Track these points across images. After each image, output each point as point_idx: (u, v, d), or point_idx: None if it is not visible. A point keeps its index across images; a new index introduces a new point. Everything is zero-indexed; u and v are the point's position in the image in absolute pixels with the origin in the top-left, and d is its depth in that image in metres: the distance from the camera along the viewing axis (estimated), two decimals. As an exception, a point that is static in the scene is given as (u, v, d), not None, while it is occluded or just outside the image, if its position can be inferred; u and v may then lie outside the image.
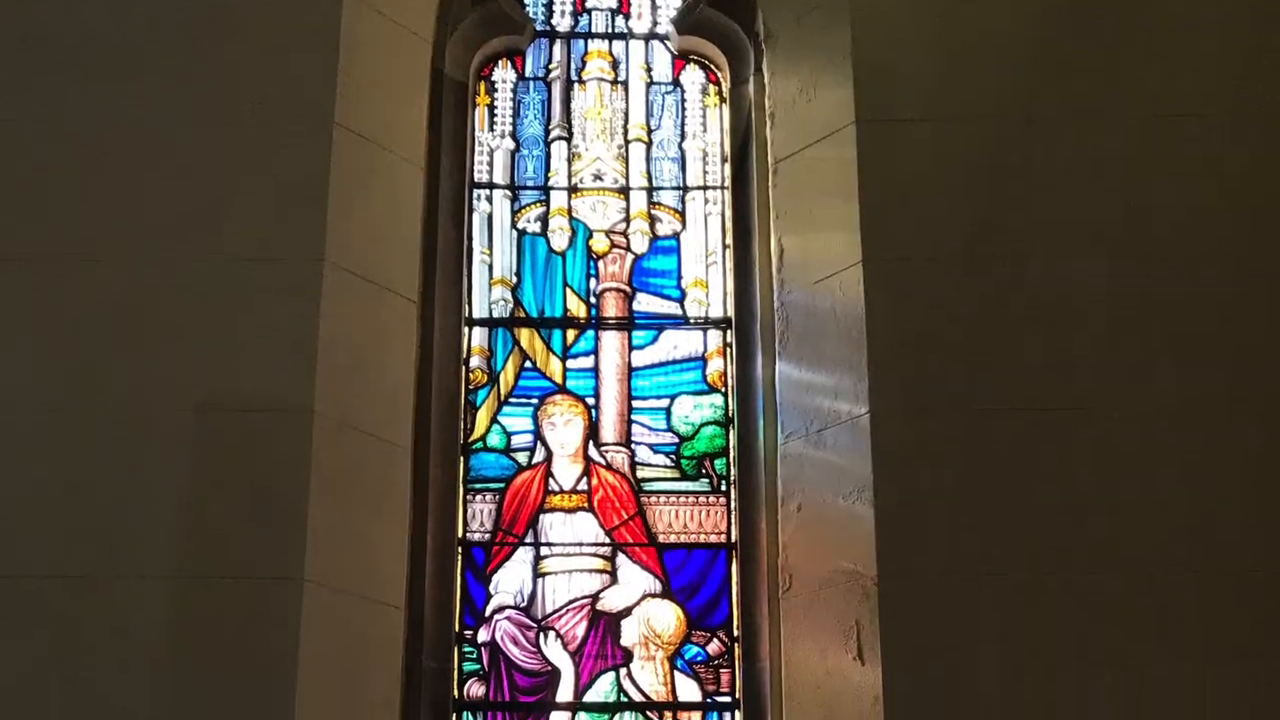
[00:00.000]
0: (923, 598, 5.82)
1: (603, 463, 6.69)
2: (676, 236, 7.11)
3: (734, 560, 6.51)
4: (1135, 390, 6.09)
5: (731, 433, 6.72)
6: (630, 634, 6.41)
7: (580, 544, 6.57)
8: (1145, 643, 5.77)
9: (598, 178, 7.16)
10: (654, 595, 6.47)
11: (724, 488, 6.66)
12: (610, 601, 6.47)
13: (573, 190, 7.14)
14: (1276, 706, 5.71)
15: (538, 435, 6.75)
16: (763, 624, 6.28)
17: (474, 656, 6.36)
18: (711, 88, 7.26)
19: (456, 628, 6.36)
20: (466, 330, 6.85)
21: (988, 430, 6.04)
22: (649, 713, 6.30)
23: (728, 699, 6.33)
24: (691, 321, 6.96)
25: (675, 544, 6.57)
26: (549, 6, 7.40)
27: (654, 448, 6.72)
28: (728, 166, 7.12)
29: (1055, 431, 6.03)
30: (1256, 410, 6.06)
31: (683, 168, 7.20)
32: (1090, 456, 6.00)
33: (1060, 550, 5.88)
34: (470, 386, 6.79)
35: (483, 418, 6.76)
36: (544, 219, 7.10)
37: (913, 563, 5.87)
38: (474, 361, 6.83)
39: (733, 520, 6.58)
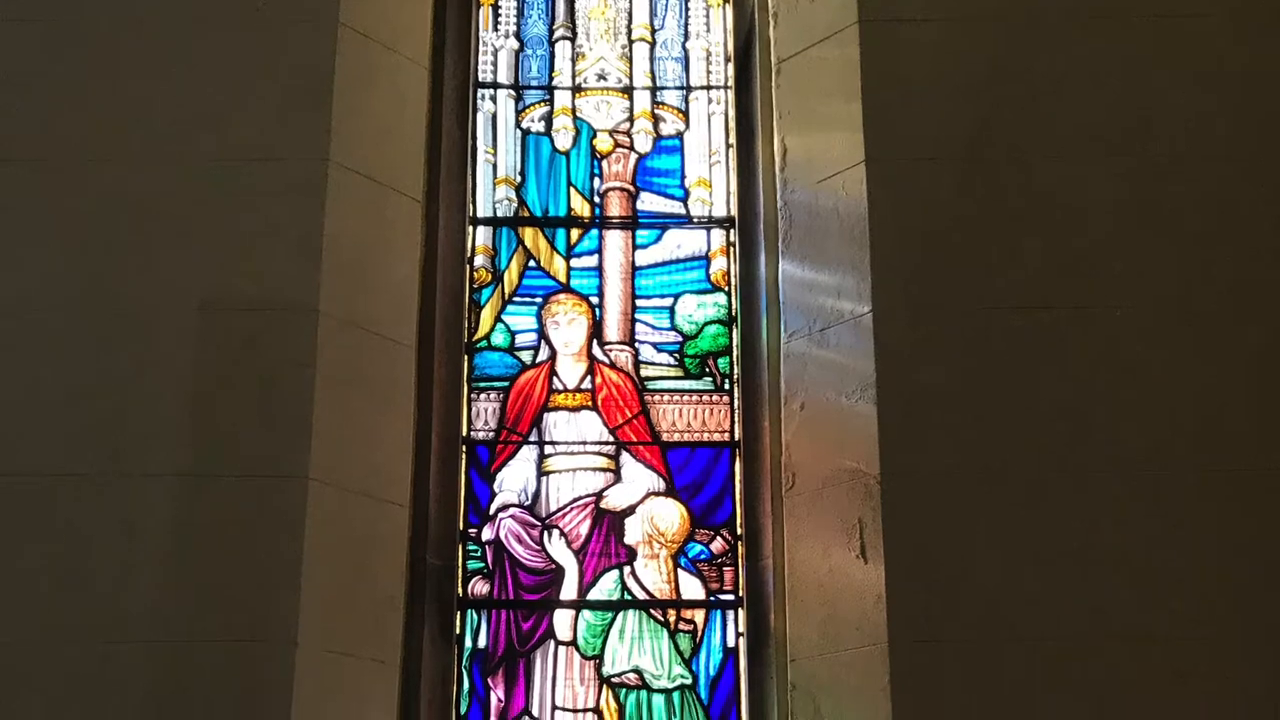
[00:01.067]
0: (925, 496, 5.76)
1: (606, 361, 6.62)
2: (680, 136, 7.01)
3: (737, 459, 6.45)
4: (1137, 289, 6.02)
5: (734, 331, 6.64)
6: (634, 532, 6.35)
7: (584, 442, 6.51)
8: (1147, 540, 5.71)
9: (601, 77, 7.07)
10: (657, 494, 6.41)
11: (727, 386, 6.59)
12: (614, 500, 6.41)
13: (576, 90, 7.04)
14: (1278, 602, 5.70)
15: (541, 334, 6.68)
16: (766, 522, 6.21)
17: (478, 554, 6.31)
18: (714, -13, 7.15)
19: (461, 526, 6.30)
20: (471, 229, 6.77)
21: (990, 329, 5.97)
22: (652, 610, 6.25)
23: (731, 597, 6.27)
24: (695, 221, 6.88)
25: (679, 442, 6.51)
26: (552, -94, 7.29)
27: (657, 346, 6.65)
28: (731, 66, 7.00)
29: (1057, 330, 5.96)
30: (1258, 309, 6.01)
31: (686, 68, 7.09)
32: (1092, 355, 5.94)
33: (1062, 448, 5.82)
34: (474, 285, 6.72)
35: (487, 316, 6.69)
36: (548, 119, 7.01)
37: (915, 461, 5.81)
38: (478, 260, 6.75)
39: (736, 419, 6.51)
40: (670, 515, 6.34)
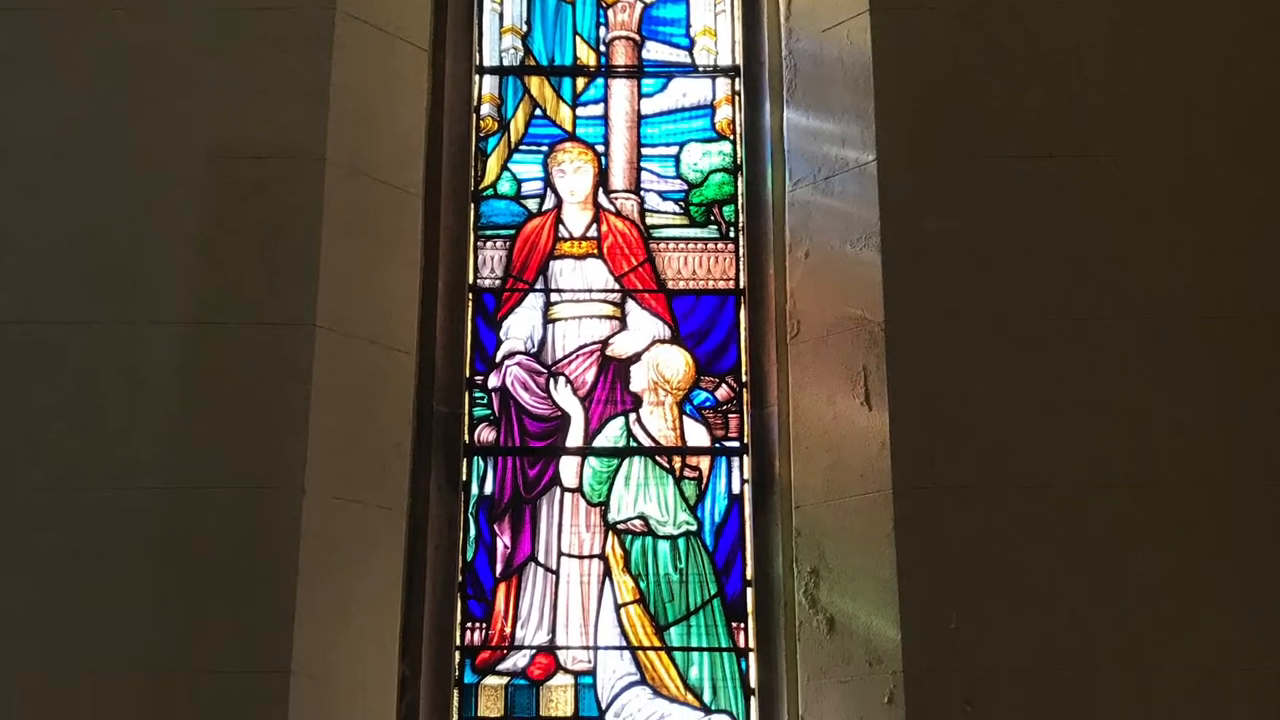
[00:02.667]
0: (929, 343, 5.68)
1: (612, 210, 6.52)
2: (685, -15, 6.90)
3: (742, 306, 6.36)
4: (1141, 137, 5.93)
5: (740, 180, 6.54)
6: (639, 379, 6.27)
7: (590, 290, 6.42)
8: (1149, 387, 5.65)
9: (607, -75, 6.93)
10: (663, 341, 6.32)
11: (732, 234, 6.49)
12: (620, 347, 6.33)
13: (582, -63, 6.91)
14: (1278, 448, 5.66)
15: (547, 182, 6.58)
16: (771, 369, 6.14)
17: (484, 402, 6.23)
18: None
19: (467, 373, 6.23)
20: (477, 78, 6.66)
21: (993, 177, 5.89)
22: (658, 457, 6.18)
23: (736, 444, 6.20)
24: (700, 70, 6.76)
25: (684, 290, 6.42)
26: None
27: (663, 195, 6.55)
28: (735, -85, 6.86)
29: (1060, 178, 5.88)
30: (1260, 156, 5.92)
31: (691, -85, 6.95)
32: (1095, 203, 5.86)
33: (1065, 296, 5.75)
34: (480, 134, 6.60)
35: (493, 165, 6.59)
36: (553, -33, 6.90)
37: (919, 308, 5.73)
38: (484, 109, 6.65)
39: (741, 267, 6.42)
40: (675, 362, 6.25)
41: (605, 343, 6.33)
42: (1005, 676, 5.35)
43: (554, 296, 6.41)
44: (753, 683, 5.91)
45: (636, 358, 6.31)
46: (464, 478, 6.10)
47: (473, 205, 6.47)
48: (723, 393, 6.25)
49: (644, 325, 6.36)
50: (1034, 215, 5.84)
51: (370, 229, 5.91)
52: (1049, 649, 5.38)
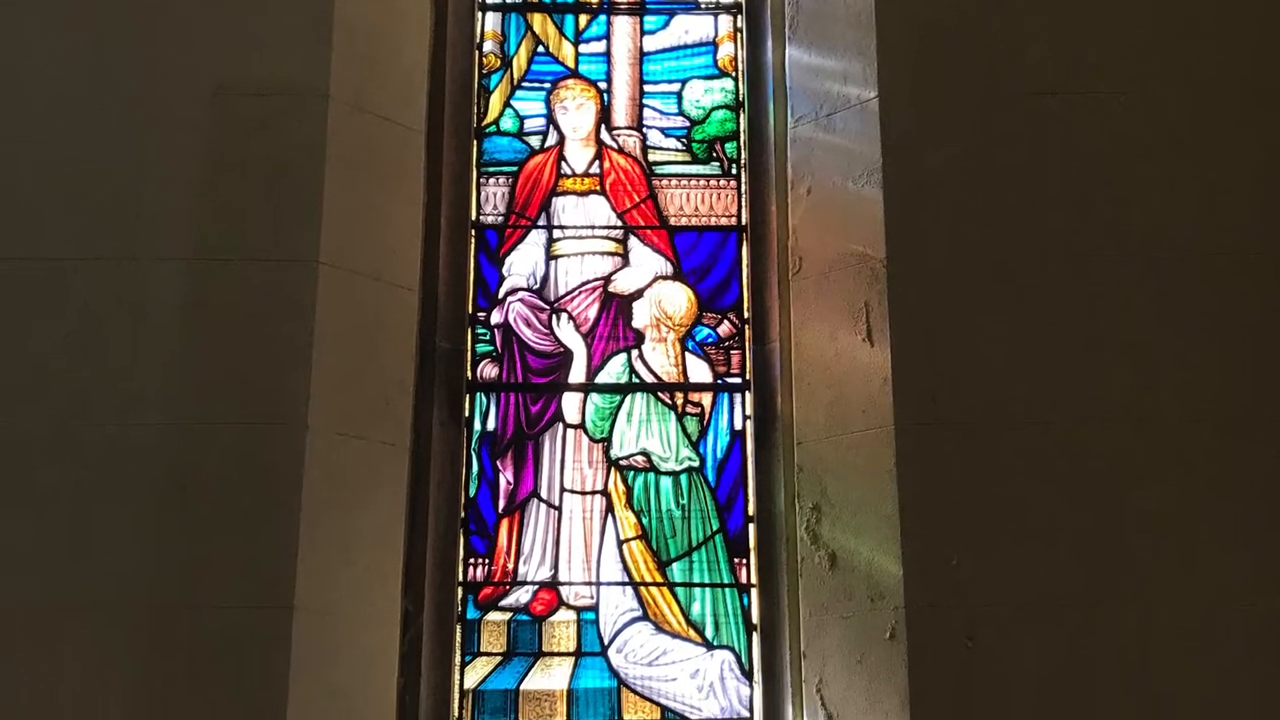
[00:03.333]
0: (931, 279, 5.64)
1: (615, 146, 6.47)
2: (688, -80, 6.83)
3: (744, 243, 6.33)
4: (1144, 75, 5.88)
5: (742, 116, 6.50)
6: (642, 316, 6.24)
7: (592, 226, 6.38)
8: (1151, 324, 5.63)
9: None
10: (665, 277, 6.29)
11: (734, 171, 6.45)
12: (622, 284, 6.29)
13: None
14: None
15: (550, 119, 6.53)
16: (773, 306, 6.12)
17: (487, 338, 6.19)
18: None
19: (470, 309, 6.20)
20: (480, 14, 6.62)
21: (995, 114, 5.84)
22: (660, 394, 6.16)
23: (738, 380, 6.17)
24: (702, 6, 6.72)
25: (686, 226, 6.38)
26: None
27: (665, 131, 6.51)
28: None
29: (1063, 116, 5.83)
30: (1264, 94, 5.87)
31: None
32: (1098, 140, 5.81)
33: (1066, 233, 5.71)
34: (483, 71, 6.56)
35: (496, 102, 6.54)
36: (555, -98, 6.83)
37: (921, 245, 5.69)
38: (487, 46, 6.60)
39: (743, 203, 6.39)
40: (678, 299, 6.22)
41: (608, 279, 6.30)
42: (1007, 612, 5.33)
43: (556, 233, 6.37)
44: (754, 618, 5.90)
45: (639, 294, 6.28)
46: (466, 414, 6.07)
47: (475, 142, 6.43)
48: (725, 329, 6.22)
49: (646, 261, 6.32)
50: (1036, 153, 5.79)
51: (373, 166, 5.85)
52: (1051, 584, 5.35)
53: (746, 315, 6.23)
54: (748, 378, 6.16)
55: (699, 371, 6.19)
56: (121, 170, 5.68)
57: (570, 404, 6.14)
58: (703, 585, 5.95)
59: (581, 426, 6.11)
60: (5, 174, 5.68)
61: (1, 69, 5.80)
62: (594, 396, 6.12)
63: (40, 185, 5.66)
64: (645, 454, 6.05)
